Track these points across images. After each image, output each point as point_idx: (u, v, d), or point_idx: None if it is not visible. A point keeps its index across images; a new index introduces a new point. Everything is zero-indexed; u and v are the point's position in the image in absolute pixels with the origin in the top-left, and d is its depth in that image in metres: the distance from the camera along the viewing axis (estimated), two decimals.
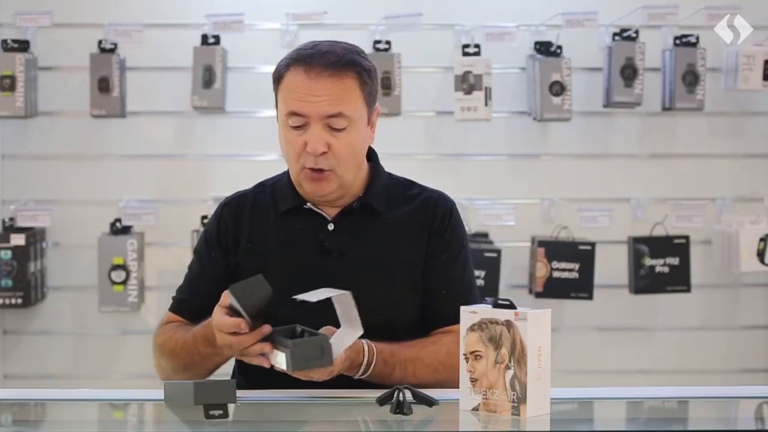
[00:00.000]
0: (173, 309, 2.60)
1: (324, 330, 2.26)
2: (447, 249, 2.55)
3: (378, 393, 2.18)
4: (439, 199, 2.60)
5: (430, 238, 2.55)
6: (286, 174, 2.59)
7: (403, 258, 2.53)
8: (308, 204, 2.53)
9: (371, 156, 2.60)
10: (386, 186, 2.59)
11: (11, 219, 4.14)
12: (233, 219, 2.57)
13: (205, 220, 4.08)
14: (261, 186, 2.64)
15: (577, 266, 4.13)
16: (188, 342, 2.46)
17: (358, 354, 2.37)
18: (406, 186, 2.62)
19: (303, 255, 2.43)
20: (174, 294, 2.64)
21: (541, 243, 4.16)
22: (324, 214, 2.54)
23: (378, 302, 2.40)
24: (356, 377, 2.39)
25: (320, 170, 2.45)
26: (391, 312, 2.44)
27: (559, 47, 4.13)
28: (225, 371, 2.58)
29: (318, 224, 2.53)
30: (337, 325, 2.26)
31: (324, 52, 2.44)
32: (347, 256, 2.49)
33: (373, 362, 2.38)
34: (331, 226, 2.52)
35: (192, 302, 2.56)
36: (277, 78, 2.49)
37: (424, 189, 2.62)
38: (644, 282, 4.20)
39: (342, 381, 2.39)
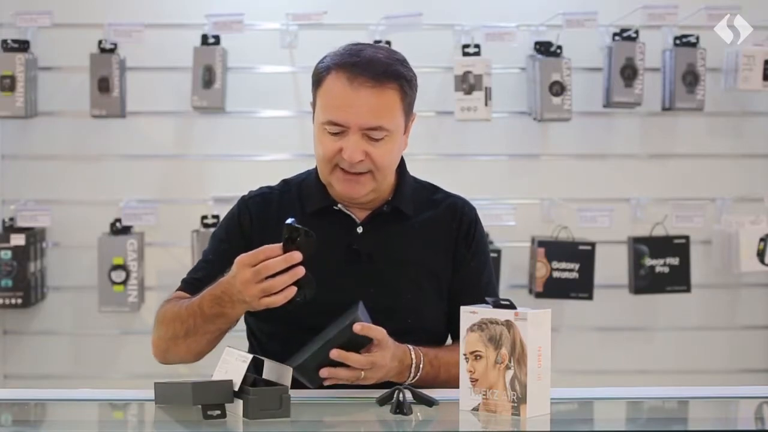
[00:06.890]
0: (182, 288, 2.53)
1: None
2: (474, 257, 2.56)
3: (378, 393, 2.19)
4: (465, 206, 2.61)
5: (457, 245, 2.55)
6: (313, 173, 2.56)
7: (431, 263, 2.52)
8: (339, 205, 2.51)
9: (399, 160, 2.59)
10: (412, 190, 2.58)
11: (11, 219, 4.14)
12: (259, 212, 2.53)
13: (206, 220, 4.09)
14: (286, 184, 2.60)
15: (577, 266, 4.13)
16: (193, 304, 2.39)
17: (405, 355, 2.36)
18: (431, 190, 2.62)
19: (331, 257, 2.40)
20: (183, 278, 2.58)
21: (541, 243, 4.16)
22: (353, 216, 2.51)
23: (405, 306, 2.39)
24: (406, 384, 2.34)
25: (356, 173, 2.42)
26: (417, 316, 2.42)
27: (559, 47, 4.13)
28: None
29: (347, 226, 2.51)
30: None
31: (368, 60, 2.40)
32: (376, 260, 2.47)
33: (421, 364, 2.38)
34: (360, 229, 2.51)
35: (204, 282, 2.44)
36: (317, 80, 2.45)
37: (448, 194, 2.62)
38: (644, 282, 4.20)
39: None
